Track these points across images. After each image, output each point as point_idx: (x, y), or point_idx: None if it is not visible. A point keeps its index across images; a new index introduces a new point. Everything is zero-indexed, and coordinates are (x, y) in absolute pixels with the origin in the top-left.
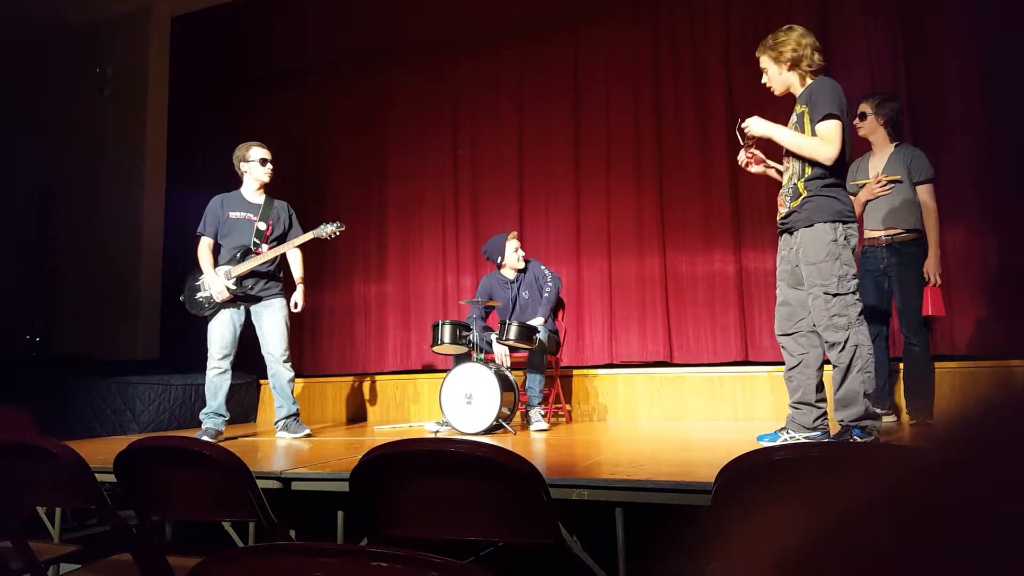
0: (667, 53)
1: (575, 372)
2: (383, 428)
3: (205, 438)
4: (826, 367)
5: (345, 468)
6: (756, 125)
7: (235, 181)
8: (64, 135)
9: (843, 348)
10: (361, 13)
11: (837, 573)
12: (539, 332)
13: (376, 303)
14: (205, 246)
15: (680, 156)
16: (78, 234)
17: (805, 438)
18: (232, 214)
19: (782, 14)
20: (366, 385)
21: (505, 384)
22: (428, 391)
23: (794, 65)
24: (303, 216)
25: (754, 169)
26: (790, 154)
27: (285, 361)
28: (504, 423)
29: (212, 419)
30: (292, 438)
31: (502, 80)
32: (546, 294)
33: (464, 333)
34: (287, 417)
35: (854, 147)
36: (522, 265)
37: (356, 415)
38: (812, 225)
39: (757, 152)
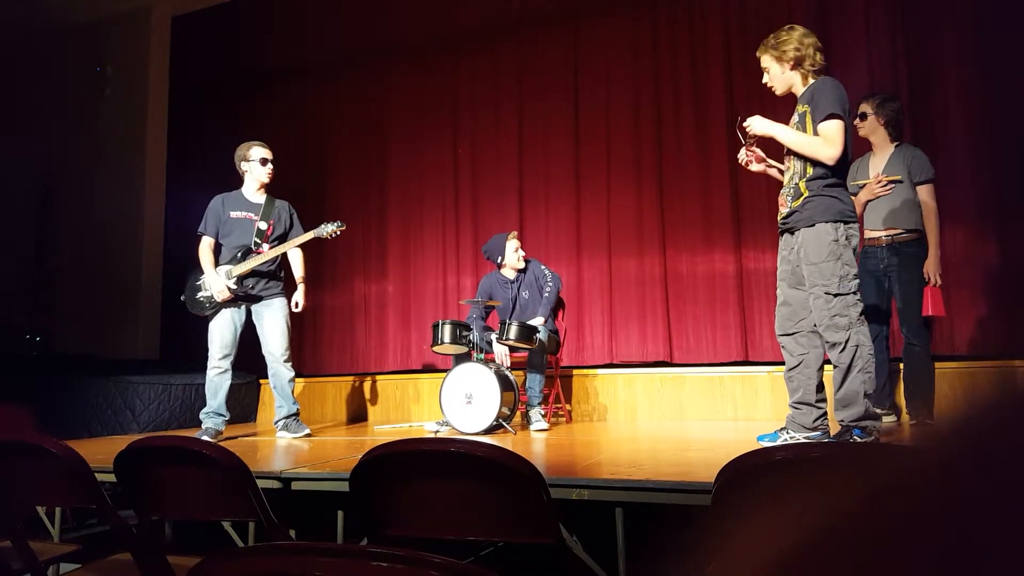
0: (667, 53)
1: (575, 372)
2: (383, 428)
3: (205, 438)
4: (826, 367)
5: (345, 468)
6: (758, 124)
7: (235, 181)
8: (64, 135)
9: (844, 348)
10: (361, 13)
11: (837, 573)
12: (539, 332)
13: (376, 303)
14: (206, 246)
15: (680, 156)
16: (78, 234)
17: (805, 438)
18: (233, 213)
19: (782, 14)
20: (366, 385)
21: (505, 384)
22: (428, 391)
23: (797, 64)
24: (303, 216)
25: (755, 168)
26: (792, 153)
27: (286, 361)
28: (504, 423)
29: (212, 419)
30: (292, 438)
31: (502, 80)
32: (546, 294)
33: (464, 333)
34: (287, 417)
35: (854, 147)
36: (522, 265)
37: (356, 415)
38: (813, 225)
39: (757, 150)
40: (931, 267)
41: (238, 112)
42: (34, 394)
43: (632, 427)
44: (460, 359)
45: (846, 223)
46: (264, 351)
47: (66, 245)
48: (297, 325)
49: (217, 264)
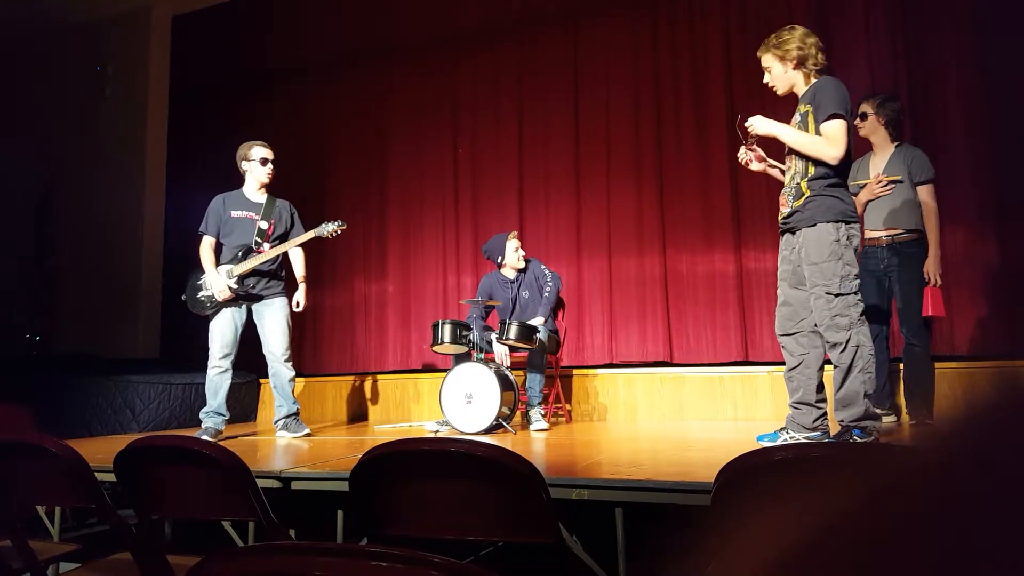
0: (667, 53)
1: (575, 372)
2: (383, 428)
3: (205, 437)
4: (827, 367)
5: (345, 467)
6: (760, 124)
7: (235, 180)
8: (64, 135)
9: (844, 348)
10: (361, 13)
11: (837, 573)
12: (539, 332)
13: (376, 302)
14: (207, 245)
15: (680, 155)
16: (78, 234)
17: (805, 438)
18: (234, 213)
19: (782, 14)
20: (366, 384)
21: (505, 384)
22: (428, 391)
23: (800, 64)
24: (303, 216)
25: (755, 167)
26: (793, 153)
27: (286, 360)
28: (504, 423)
29: (212, 418)
30: (292, 437)
31: (502, 80)
32: (546, 294)
33: (464, 333)
34: (287, 416)
35: (855, 147)
36: (522, 265)
37: (356, 415)
38: (815, 225)
39: (758, 149)
40: (931, 267)
41: (238, 112)
42: (34, 394)
43: (632, 427)
44: (460, 359)
45: (847, 223)
46: (265, 350)
47: (66, 245)
48: (297, 325)
49: (218, 264)
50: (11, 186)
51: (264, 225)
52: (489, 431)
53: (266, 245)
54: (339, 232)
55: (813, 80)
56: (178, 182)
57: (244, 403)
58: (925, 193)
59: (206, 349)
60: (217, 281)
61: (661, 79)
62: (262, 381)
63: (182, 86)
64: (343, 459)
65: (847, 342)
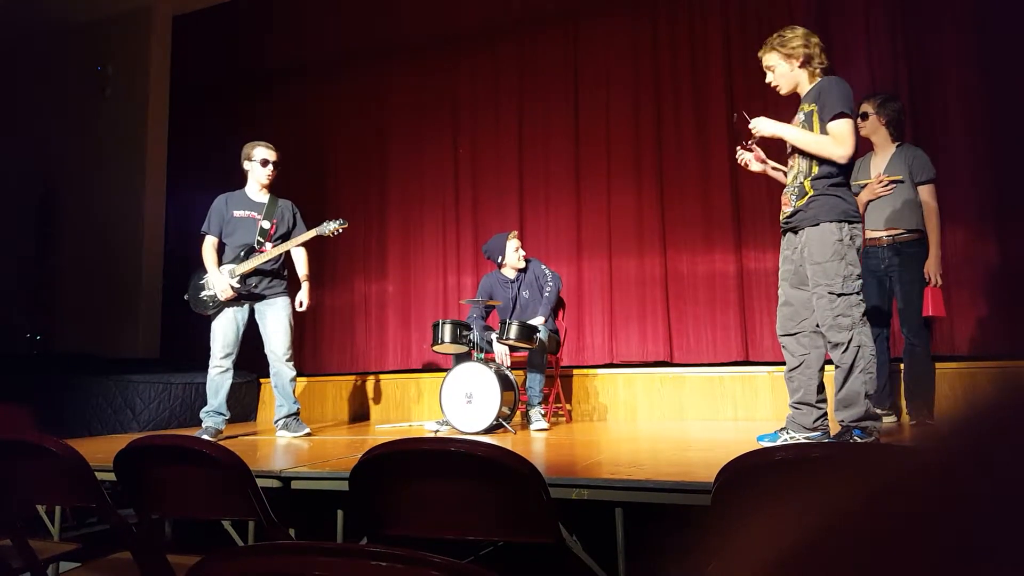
0: (667, 53)
1: (575, 372)
2: (383, 427)
3: (205, 437)
4: (827, 367)
5: (345, 467)
6: (764, 126)
7: (235, 180)
8: (64, 135)
9: (846, 349)
10: (361, 13)
11: (837, 573)
12: (539, 332)
13: (376, 302)
14: (209, 245)
15: (680, 155)
16: (78, 234)
17: (805, 438)
18: (236, 212)
19: (782, 14)
20: (366, 384)
21: (505, 384)
22: (429, 390)
23: (805, 63)
24: (303, 216)
25: (754, 168)
26: (797, 152)
27: (288, 360)
28: (504, 423)
29: (212, 418)
30: (292, 437)
31: (502, 80)
32: (546, 294)
33: (464, 332)
34: (287, 416)
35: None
36: (523, 264)
37: (356, 414)
38: (818, 224)
39: (757, 149)
40: (932, 267)
41: (238, 112)
42: (34, 394)
43: (632, 427)
44: (460, 359)
45: (850, 223)
46: (266, 350)
47: (66, 245)
48: (298, 325)
49: (220, 263)
50: (11, 186)
51: (266, 224)
52: (489, 431)
53: (268, 244)
54: (341, 231)
55: (817, 79)
56: (178, 182)
57: (244, 403)
58: (926, 193)
59: (206, 349)
60: (219, 281)
61: (661, 79)
62: (262, 381)
63: (182, 86)
64: (343, 459)
65: (849, 342)
